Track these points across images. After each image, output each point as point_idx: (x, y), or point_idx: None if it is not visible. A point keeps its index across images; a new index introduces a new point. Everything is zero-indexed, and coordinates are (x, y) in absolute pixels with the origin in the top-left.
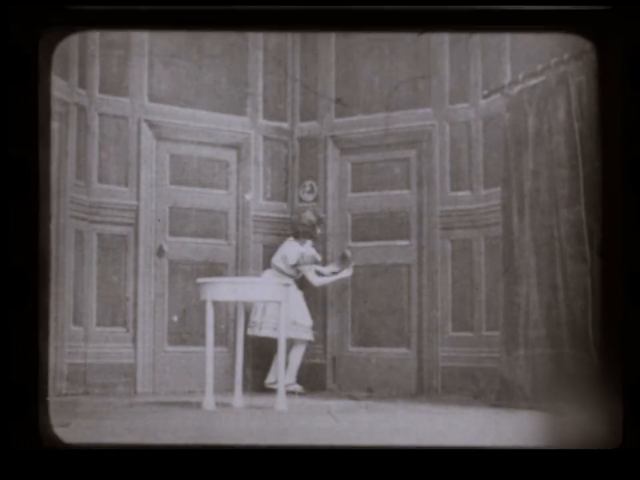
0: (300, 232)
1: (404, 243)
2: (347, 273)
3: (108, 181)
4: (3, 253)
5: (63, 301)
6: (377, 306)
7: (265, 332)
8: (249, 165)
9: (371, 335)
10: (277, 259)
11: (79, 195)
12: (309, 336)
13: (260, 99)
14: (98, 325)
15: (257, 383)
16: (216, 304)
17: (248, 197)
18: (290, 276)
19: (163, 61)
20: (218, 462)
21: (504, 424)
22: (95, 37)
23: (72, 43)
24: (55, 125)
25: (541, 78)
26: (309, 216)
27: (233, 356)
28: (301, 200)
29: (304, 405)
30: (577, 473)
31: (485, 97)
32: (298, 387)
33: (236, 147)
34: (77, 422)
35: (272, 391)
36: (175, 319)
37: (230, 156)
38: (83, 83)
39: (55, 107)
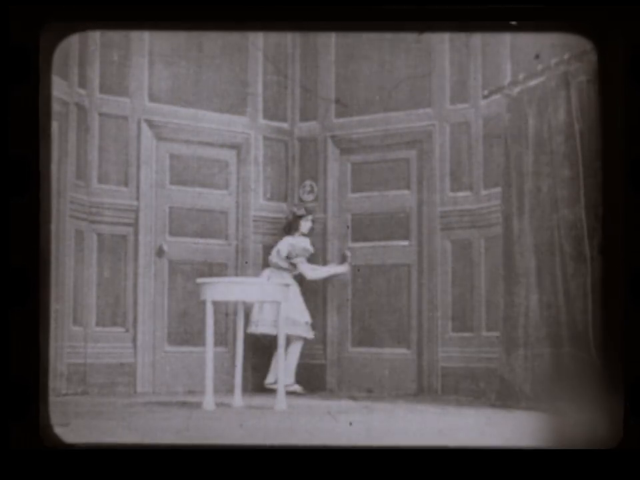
0: (288, 226)
1: (404, 243)
2: (342, 269)
3: (108, 181)
4: (3, 252)
5: (63, 301)
6: (377, 306)
7: (262, 329)
8: (249, 165)
9: (371, 335)
10: (272, 255)
11: (79, 195)
12: (303, 332)
13: (260, 99)
14: (98, 325)
15: (257, 383)
16: (216, 304)
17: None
18: (286, 270)
19: (163, 61)
20: (218, 462)
21: (504, 424)
22: (95, 37)
23: (72, 43)
24: (55, 125)
25: (541, 78)
26: (294, 209)
27: (233, 356)
28: (300, 200)
29: (304, 405)
30: (577, 473)
31: (485, 97)
32: (297, 387)
33: (236, 146)
34: (77, 422)
35: (272, 391)
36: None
37: (230, 156)
38: (83, 83)
39: (55, 107)
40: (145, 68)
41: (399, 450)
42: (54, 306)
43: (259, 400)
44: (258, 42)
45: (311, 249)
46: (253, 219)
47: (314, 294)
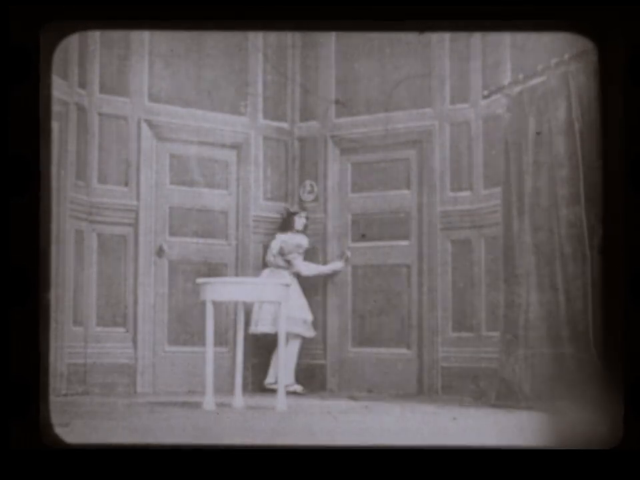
0: (282, 223)
1: (404, 243)
2: (338, 265)
3: (108, 181)
4: (3, 252)
5: (63, 301)
6: (377, 306)
7: (262, 328)
8: (249, 165)
9: (371, 335)
10: (267, 254)
11: (79, 195)
12: (300, 330)
13: (260, 99)
14: (98, 325)
15: (257, 383)
16: (216, 304)
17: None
18: (283, 268)
19: (163, 61)
20: (218, 462)
21: (504, 424)
22: (95, 37)
23: (72, 43)
24: (55, 125)
25: (542, 78)
26: (287, 207)
27: (233, 356)
28: (301, 200)
29: (304, 405)
30: (577, 472)
31: (485, 97)
32: (298, 387)
33: (236, 146)
34: (77, 422)
35: (272, 391)
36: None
37: (230, 156)
38: (83, 82)
39: (55, 107)
40: (145, 68)
41: (399, 450)
42: (54, 306)
43: (259, 400)
44: (258, 42)
45: (305, 244)
46: (252, 218)
47: (314, 294)
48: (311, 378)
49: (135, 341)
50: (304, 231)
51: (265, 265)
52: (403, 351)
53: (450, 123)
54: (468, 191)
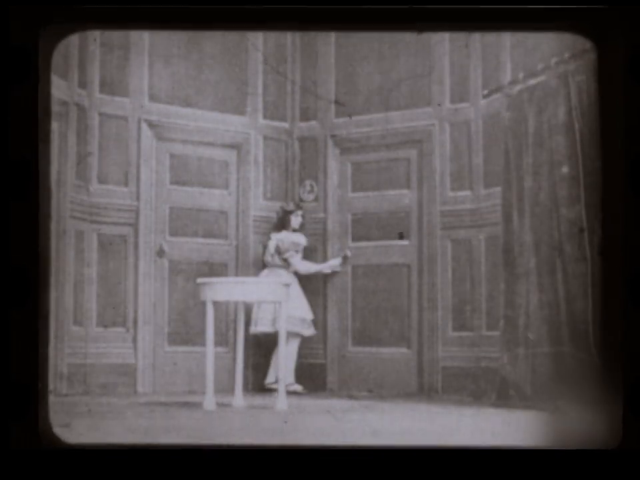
0: (278, 222)
1: (404, 243)
2: (335, 262)
3: (108, 181)
4: (3, 252)
5: (63, 300)
6: (377, 306)
7: (261, 327)
8: (249, 165)
9: (371, 334)
10: (265, 255)
11: (79, 195)
12: (297, 328)
13: (260, 99)
14: (98, 325)
15: (257, 382)
16: (216, 304)
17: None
18: (281, 267)
19: (163, 61)
20: (218, 462)
21: (504, 424)
22: (95, 37)
23: (72, 43)
24: (55, 125)
25: (541, 77)
26: (283, 205)
27: (233, 356)
28: (301, 200)
29: (304, 405)
30: (576, 472)
31: (485, 96)
32: (298, 387)
33: (236, 147)
34: (77, 422)
35: (272, 391)
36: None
37: (230, 156)
38: (83, 83)
39: (55, 107)
40: (144, 68)
41: (399, 450)
42: (54, 306)
43: (260, 400)
44: (258, 42)
45: (302, 242)
46: (252, 218)
47: (315, 293)
48: (311, 377)
49: (135, 341)
50: (301, 229)
51: (264, 265)
52: (403, 350)
53: (450, 123)
54: (468, 190)
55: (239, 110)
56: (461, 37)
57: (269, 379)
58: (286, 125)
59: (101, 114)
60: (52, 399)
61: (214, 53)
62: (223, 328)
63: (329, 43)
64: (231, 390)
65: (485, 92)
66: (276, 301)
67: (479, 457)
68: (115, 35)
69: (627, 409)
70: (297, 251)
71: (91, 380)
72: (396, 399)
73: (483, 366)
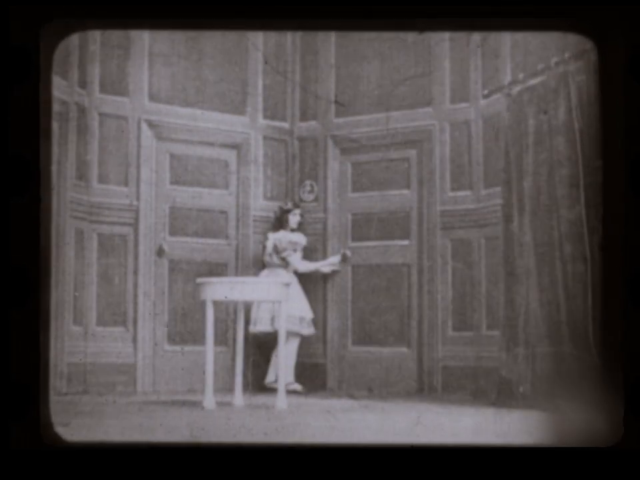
0: (277, 221)
1: (404, 242)
2: (334, 260)
3: (108, 181)
4: (3, 252)
5: (63, 300)
6: (376, 305)
7: (260, 327)
8: (249, 165)
9: (371, 334)
10: (264, 255)
11: (79, 195)
12: (296, 328)
13: (260, 99)
14: (98, 324)
15: (257, 382)
16: (216, 304)
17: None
18: (280, 267)
19: (163, 61)
20: (218, 461)
21: (504, 423)
22: (95, 37)
23: (72, 43)
24: (55, 125)
25: (542, 78)
26: (281, 204)
27: (233, 355)
28: (301, 200)
29: (304, 404)
30: (576, 471)
31: (485, 96)
32: (298, 386)
33: (236, 147)
34: (77, 421)
35: (272, 390)
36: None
37: (230, 156)
38: (82, 82)
39: (55, 107)
40: (144, 68)
41: (399, 449)
42: (54, 305)
43: (260, 399)
44: (258, 42)
45: (301, 241)
46: (252, 218)
47: (314, 293)
48: (310, 377)
49: (134, 341)
50: (299, 228)
51: (263, 265)
52: (403, 350)
53: (450, 123)
54: (468, 190)
55: (239, 110)
56: (461, 37)
57: (269, 378)
58: (286, 125)
59: (100, 114)
60: (52, 398)
61: (214, 53)
62: (223, 327)
63: (329, 43)
64: (230, 389)
65: (485, 92)
66: (275, 301)
67: (479, 457)
68: (115, 35)
69: (627, 409)
70: (295, 250)
71: (91, 379)
72: (396, 398)
73: (483, 365)
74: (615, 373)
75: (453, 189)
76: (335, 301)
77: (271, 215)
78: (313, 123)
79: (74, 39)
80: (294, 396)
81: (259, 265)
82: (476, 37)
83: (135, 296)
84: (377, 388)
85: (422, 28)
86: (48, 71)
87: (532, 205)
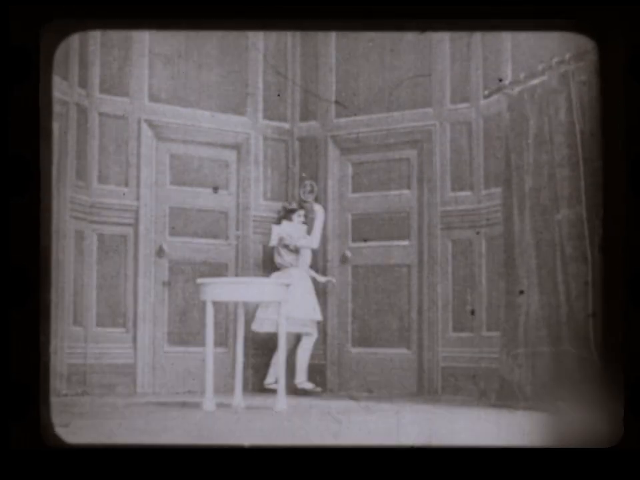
0: (279, 220)
1: (404, 243)
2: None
3: (108, 181)
4: (3, 252)
5: (63, 300)
6: (376, 306)
7: (266, 328)
8: (249, 165)
9: (371, 334)
10: (274, 256)
11: (79, 195)
12: (298, 329)
13: (260, 98)
14: (98, 325)
15: (257, 383)
16: (216, 304)
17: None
18: (292, 266)
19: (163, 61)
20: (218, 462)
21: (504, 424)
22: (96, 37)
23: (72, 43)
24: (55, 125)
25: (542, 78)
26: (285, 205)
27: (233, 356)
28: (301, 200)
29: (304, 405)
30: (577, 472)
31: (485, 96)
32: (310, 385)
33: (236, 147)
34: (77, 422)
35: (272, 391)
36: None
37: (230, 156)
38: (83, 82)
39: (55, 107)
40: (145, 68)
41: (398, 450)
42: (54, 306)
43: (259, 400)
44: (258, 42)
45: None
46: (252, 218)
47: (315, 293)
48: (311, 378)
49: (134, 341)
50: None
51: (274, 267)
52: (403, 350)
53: (450, 123)
54: (468, 190)
55: (239, 110)
56: (461, 36)
57: (269, 379)
58: (286, 125)
59: (101, 114)
60: (52, 399)
61: (214, 53)
62: (223, 328)
63: (329, 43)
64: (230, 390)
65: (486, 92)
66: (276, 301)
67: (479, 457)
68: (115, 35)
69: (627, 409)
70: (299, 237)
71: (91, 380)
72: (396, 399)
73: (483, 366)
74: (616, 373)
75: (453, 189)
76: (335, 301)
77: (271, 215)
78: (313, 123)
79: (74, 39)
80: (293, 396)
81: (259, 265)
82: (477, 37)
83: (135, 296)
84: (376, 389)
85: (422, 28)
86: (48, 71)
87: (532, 205)
